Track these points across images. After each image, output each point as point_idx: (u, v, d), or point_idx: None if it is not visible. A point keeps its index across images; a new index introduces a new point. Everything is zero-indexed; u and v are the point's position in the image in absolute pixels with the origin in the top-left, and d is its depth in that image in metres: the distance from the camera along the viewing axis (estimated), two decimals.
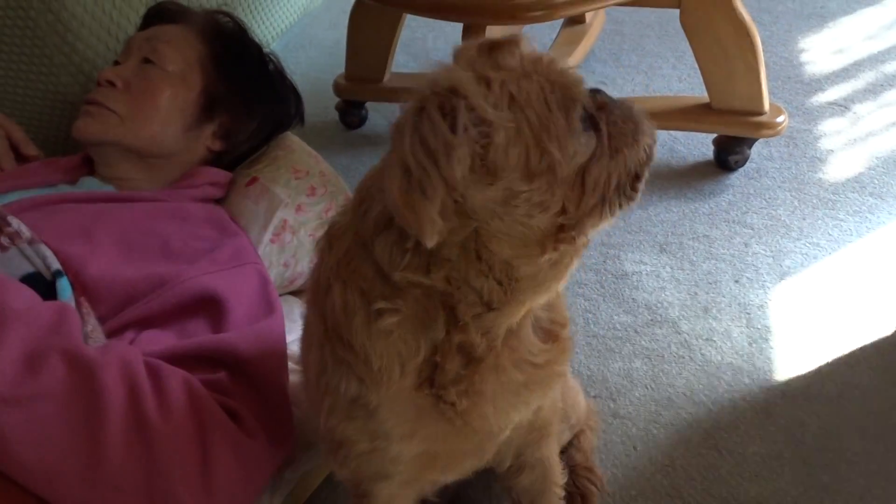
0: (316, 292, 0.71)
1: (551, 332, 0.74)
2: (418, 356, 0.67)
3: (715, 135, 1.61)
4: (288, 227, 1.27)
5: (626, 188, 0.65)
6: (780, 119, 1.52)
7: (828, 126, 1.71)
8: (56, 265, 0.97)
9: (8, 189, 1.13)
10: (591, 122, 0.63)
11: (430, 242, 0.57)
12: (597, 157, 0.63)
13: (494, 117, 0.57)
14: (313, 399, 0.79)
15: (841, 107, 1.76)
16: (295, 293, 1.33)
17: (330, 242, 0.69)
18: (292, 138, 1.40)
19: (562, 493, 0.89)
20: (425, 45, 2.17)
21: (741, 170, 1.60)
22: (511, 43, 0.62)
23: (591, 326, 1.28)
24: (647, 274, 1.38)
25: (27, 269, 0.97)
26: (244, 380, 0.97)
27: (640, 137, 0.65)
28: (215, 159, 1.30)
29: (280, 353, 1.02)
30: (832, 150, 1.63)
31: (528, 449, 0.84)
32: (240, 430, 0.92)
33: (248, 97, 1.31)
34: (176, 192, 1.20)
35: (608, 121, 0.64)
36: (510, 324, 0.68)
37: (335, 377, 0.71)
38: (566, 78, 0.62)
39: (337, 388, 0.71)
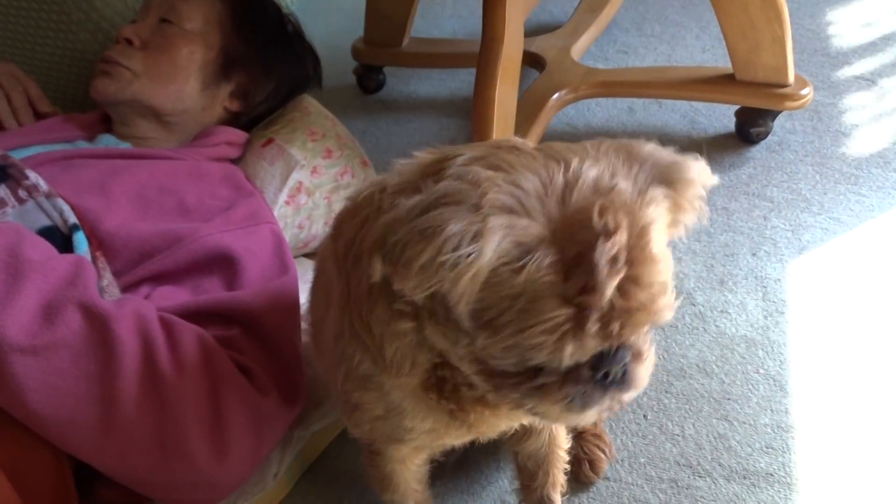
0: (346, 251, 0.68)
1: None
2: (427, 363, 0.67)
3: (737, 107, 1.58)
4: (303, 189, 1.27)
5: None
6: (804, 91, 1.48)
7: (853, 100, 1.67)
8: (73, 219, 0.98)
9: (26, 144, 1.13)
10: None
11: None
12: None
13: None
14: (329, 358, 0.79)
15: (867, 81, 1.73)
16: (309, 255, 1.33)
17: (379, 207, 0.64)
18: (309, 100, 1.39)
19: (566, 457, 0.89)
20: (444, 10, 2.14)
21: (763, 143, 1.57)
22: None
23: None
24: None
25: (44, 222, 0.97)
26: (257, 338, 0.98)
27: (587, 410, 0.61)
28: (232, 119, 1.30)
29: (293, 313, 1.03)
30: (857, 125, 1.60)
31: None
32: (252, 387, 0.93)
33: (266, 57, 1.30)
34: (192, 151, 1.20)
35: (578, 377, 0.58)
36: None
37: (350, 347, 0.71)
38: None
39: (352, 359, 0.72)
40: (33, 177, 1.00)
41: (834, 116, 1.63)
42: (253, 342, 0.97)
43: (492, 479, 1.04)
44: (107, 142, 1.20)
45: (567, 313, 0.54)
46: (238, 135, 1.27)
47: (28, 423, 0.84)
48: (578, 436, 1.01)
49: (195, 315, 0.96)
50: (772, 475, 0.99)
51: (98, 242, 0.99)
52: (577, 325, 0.54)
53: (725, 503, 0.97)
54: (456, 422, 0.73)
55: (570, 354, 0.55)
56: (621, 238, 0.53)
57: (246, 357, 0.95)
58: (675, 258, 1.31)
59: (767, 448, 1.02)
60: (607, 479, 1.01)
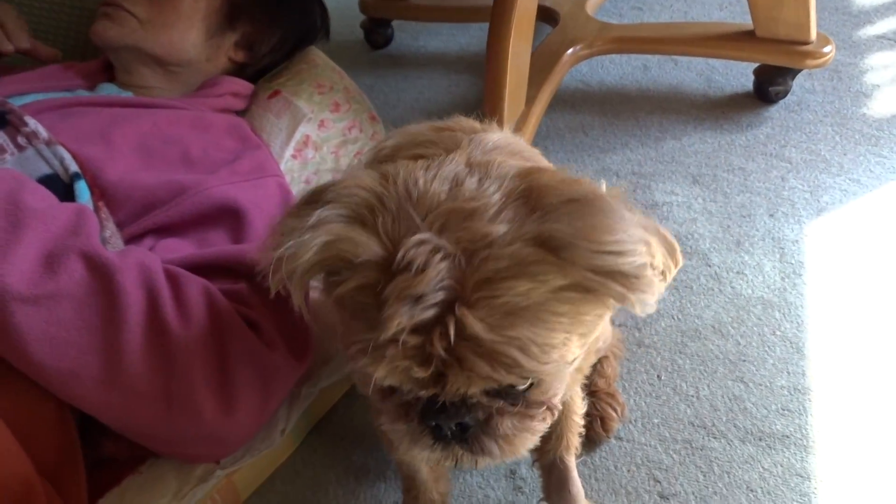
0: None
1: None
2: None
3: (755, 65, 1.54)
4: (311, 142, 1.24)
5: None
6: (826, 49, 1.44)
7: (875, 60, 1.63)
8: (74, 167, 0.95)
9: (24, 91, 1.10)
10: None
11: None
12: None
13: None
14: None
15: (890, 41, 1.68)
16: None
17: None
18: (317, 53, 1.35)
19: (581, 422, 0.87)
20: None
21: (781, 102, 1.53)
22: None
23: None
24: (678, 205, 1.33)
25: (45, 170, 0.94)
26: (264, 291, 0.95)
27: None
28: (237, 71, 1.26)
29: None
30: (878, 85, 1.56)
31: None
32: (259, 341, 0.90)
33: (272, 7, 1.26)
34: (197, 101, 1.16)
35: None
36: None
37: None
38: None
39: None
40: (32, 123, 0.96)
41: (854, 76, 1.59)
42: (260, 296, 0.95)
43: None
44: (108, 90, 1.16)
45: (366, 340, 0.52)
46: (244, 86, 1.23)
47: (31, 374, 0.82)
48: (591, 393, 0.99)
49: (200, 268, 0.93)
50: (788, 437, 0.97)
51: (100, 192, 0.96)
52: (377, 355, 0.52)
53: (741, 464, 0.95)
54: None
55: (381, 377, 0.53)
56: (429, 276, 0.50)
57: (253, 311, 0.93)
58: (690, 219, 1.29)
59: (784, 410, 1.00)
60: (620, 439, 1.00)
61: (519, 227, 0.53)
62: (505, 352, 0.51)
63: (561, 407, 0.61)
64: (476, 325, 0.50)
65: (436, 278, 0.51)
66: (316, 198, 0.59)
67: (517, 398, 0.57)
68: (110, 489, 0.91)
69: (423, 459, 0.62)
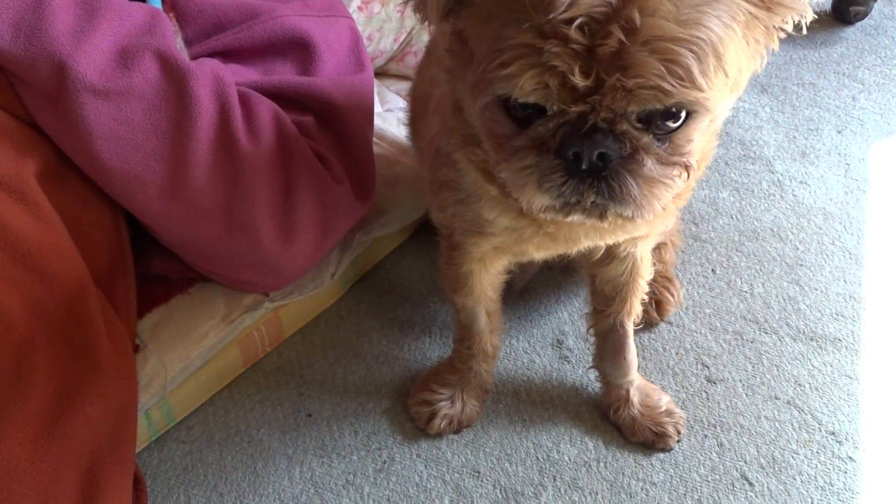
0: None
1: None
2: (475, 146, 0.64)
3: None
4: None
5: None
6: None
7: None
8: None
9: None
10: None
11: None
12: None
13: None
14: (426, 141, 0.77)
15: None
16: (374, 74, 1.26)
17: None
18: None
19: (647, 288, 0.85)
20: None
21: (858, 25, 1.48)
22: None
23: None
24: (744, 111, 1.30)
25: None
26: (332, 127, 0.93)
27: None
28: None
29: (368, 111, 0.97)
30: None
31: (623, 245, 0.80)
32: (326, 173, 0.88)
33: None
34: None
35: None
36: None
37: (438, 127, 0.71)
38: None
39: (439, 136, 0.71)
40: None
41: None
42: (327, 131, 0.92)
43: (551, 310, 1.01)
44: None
45: (526, 39, 0.48)
46: None
47: (94, 174, 0.79)
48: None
49: (267, 95, 0.90)
50: (840, 340, 0.96)
51: (172, 3, 0.92)
52: (530, 59, 0.48)
53: (790, 360, 0.94)
54: (529, 226, 0.69)
55: (527, 89, 0.49)
56: None
57: (319, 145, 0.90)
58: (755, 125, 1.25)
59: (837, 315, 0.99)
60: (670, 324, 0.99)
61: None
62: (683, 54, 0.47)
63: (696, 168, 0.56)
64: (664, 7, 0.46)
65: None
66: None
67: (666, 137, 0.53)
68: (158, 306, 0.89)
69: (546, 205, 0.55)
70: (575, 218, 0.57)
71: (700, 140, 0.56)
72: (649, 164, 0.52)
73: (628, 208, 0.54)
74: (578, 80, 0.48)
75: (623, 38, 0.47)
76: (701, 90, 0.49)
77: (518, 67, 0.49)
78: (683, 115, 0.52)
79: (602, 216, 0.56)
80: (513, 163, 0.54)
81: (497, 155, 0.57)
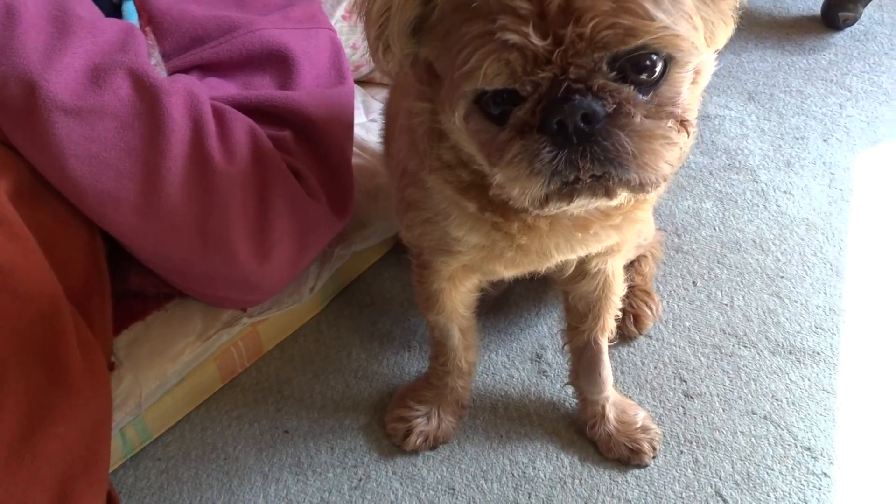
0: None
1: None
2: (452, 160, 0.64)
3: None
4: None
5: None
6: None
7: None
8: None
9: None
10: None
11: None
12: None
13: None
14: (395, 160, 0.78)
15: None
16: (359, 83, 1.25)
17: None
18: None
19: (619, 304, 0.85)
20: None
21: (848, 30, 1.47)
22: None
23: None
24: (730, 119, 1.29)
25: None
26: (310, 142, 0.92)
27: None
28: None
29: (347, 124, 0.97)
30: None
31: (594, 261, 0.80)
32: (302, 190, 0.88)
33: None
34: None
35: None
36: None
37: (405, 147, 0.71)
38: None
39: (407, 158, 0.71)
40: None
41: None
42: (304, 146, 0.92)
43: (531, 323, 1.01)
44: None
45: (479, 29, 0.49)
46: None
47: (68, 193, 0.79)
48: (628, 291, 0.97)
49: (245, 110, 0.90)
50: (818, 354, 0.96)
51: (148, 17, 0.91)
52: (488, 47, 0.48)
53: (768, 374, 0.94)
54: (502, 240, 0.68)
55: (491, 74, 0.49)
56: None
57: (296, 160, 0.90)
58: (741, 134, 1.25)
59: (817, 328, 0.99)
60: (649, 337, 0.99)
61: None
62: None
63: (695, 127, 0.54)
64: None
65: None
66: None
67: (650, 90, 0.51)
68: (135, 322, 0.89)
69: (545, 194, 0.53)
70: (580, 202, 0.54)
71: (689, 96, 0.54)
72: (639, 118, 0.50)
73: (630, 170, 0.51)
74: (536, 42, 0.47)
75: None
76: (663, 25, 0.47)
77: (478, 58, 0.49)
78: (661, 65, 0.50)
79: (608, 192, 0.53)
80: (502, 161, 0.53)
81: (489, 163, 0.55)
